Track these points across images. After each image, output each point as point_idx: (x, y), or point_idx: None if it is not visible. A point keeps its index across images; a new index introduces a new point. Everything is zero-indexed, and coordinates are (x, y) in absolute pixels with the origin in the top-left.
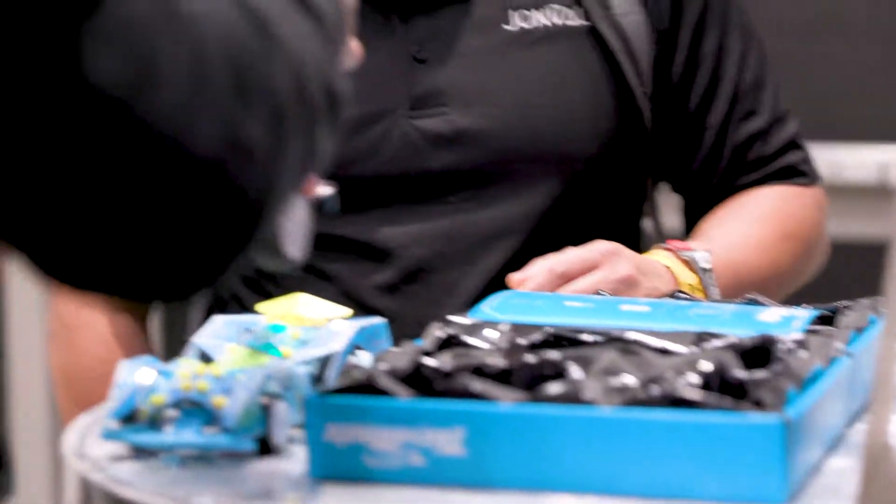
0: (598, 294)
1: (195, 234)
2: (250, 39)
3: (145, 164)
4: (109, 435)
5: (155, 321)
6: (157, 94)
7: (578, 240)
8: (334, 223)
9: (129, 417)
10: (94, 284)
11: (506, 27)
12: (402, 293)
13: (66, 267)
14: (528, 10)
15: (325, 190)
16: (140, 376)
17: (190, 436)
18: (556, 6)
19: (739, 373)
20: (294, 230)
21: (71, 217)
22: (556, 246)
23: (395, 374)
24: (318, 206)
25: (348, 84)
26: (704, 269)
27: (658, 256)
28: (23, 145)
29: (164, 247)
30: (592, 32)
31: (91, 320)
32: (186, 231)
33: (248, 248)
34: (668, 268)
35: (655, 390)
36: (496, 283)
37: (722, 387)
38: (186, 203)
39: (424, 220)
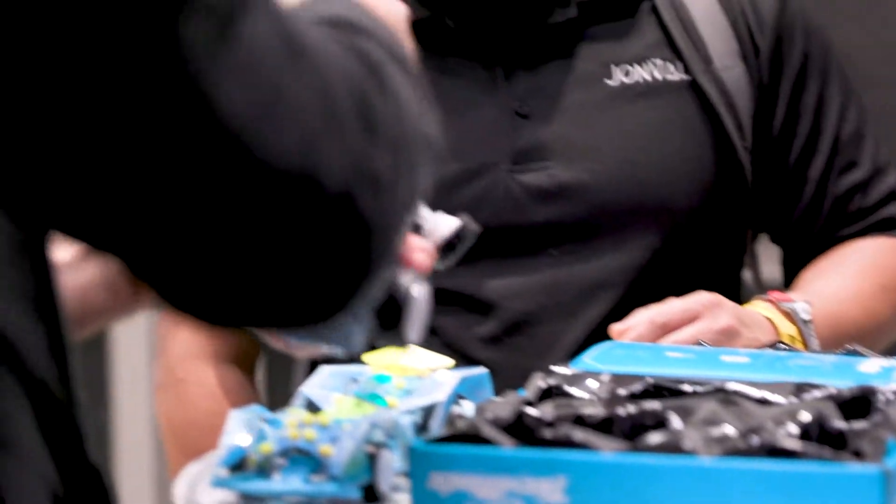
0: (699, 345)
1: (325, 264)
2: (366, 79)
3: (273, 197)
4: (219, 483)
5: (261, 372)
6: (284, 127)
7: (679, 291)
8: (438, 277)
9: (238, 466)
10: (228, 317)
11: (608, 82)
12: (505, 345)
13: (200, 301)
14: (631, 64)
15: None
16: (249, 425)
17: (297, 483)
18: (657, 61)
19: (839, 423)
20: (417, 315)
21: (200, 249)
22: (656, 297)
23: (498, 424)
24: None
25: (436, 130)
26: (804, 321)
27: (758, 307)
28: (155, 179)
29: (295, 276)
30: (693, 86)
31: (199, 373)
32: (316, 261)
33: (373, 278)
34: (768, 319)
35: (755, 440)
36: (598, 335)
37: (821, 437)
38: (316, 234)
39: (527, 272)
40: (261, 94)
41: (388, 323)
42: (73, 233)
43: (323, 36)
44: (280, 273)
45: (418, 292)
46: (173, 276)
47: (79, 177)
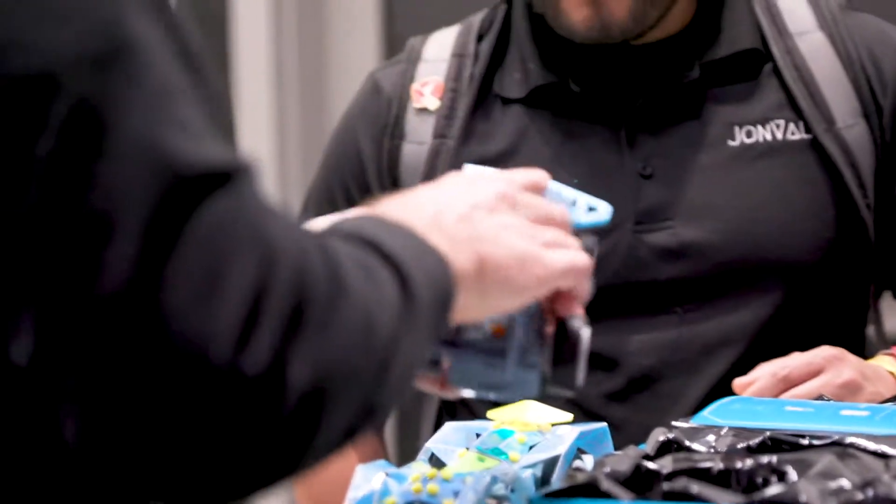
0: (821, 399)
1: (225, 445)
2: (322, 290)
3: (188, 370)
4: None
5: (390, 427)
6: (214, 309)
7: (802, 347)
8: None
9: None
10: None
11: (730, 143)
12: (629, 401)
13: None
14: (753, 125)
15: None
16: (374, 480)
17: None
18: (779, 121)
19: None
20: (584, 359)
21: (111, 398)
22: (779, 354)
23: (616, 477)
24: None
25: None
26: None
27: (882, 362)
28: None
29: (197, 450)
30: (814, 145)
31: None
32: (218, 439)
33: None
34: (892, 373)
35: (871, 493)
36: (720, 391)
37: None
38: (223, 415)
39: (651, 329)
40: (205, 272)
41: (561, 367)
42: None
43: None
44: (187, 443)
45: (587, 336)
46: (92, 437)
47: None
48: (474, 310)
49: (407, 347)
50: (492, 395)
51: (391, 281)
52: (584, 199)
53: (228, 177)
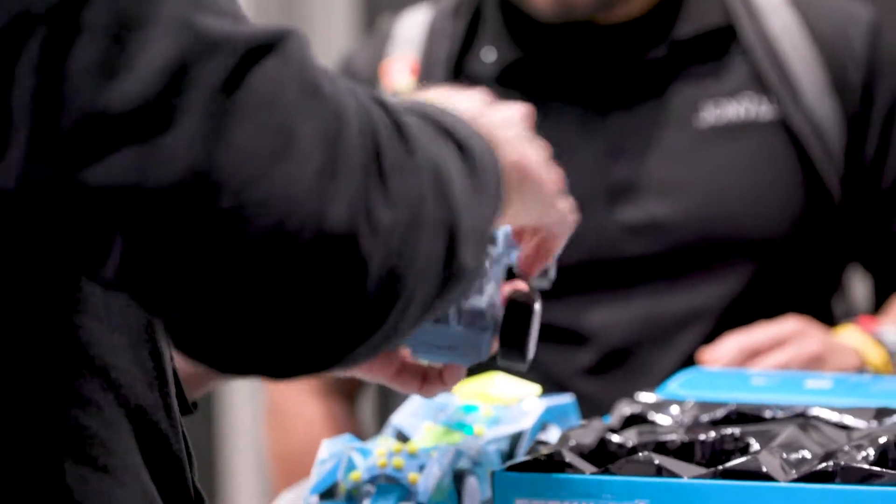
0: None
1: (327, 302)
2: (391, 139)
3: (275, 235)
4: None
5: (369, 403)
6: (291, 166)
7: (771, 321)
8: None
9: (328, 493)
10: (244, 364)
11: (699, 119)
12: (600, 376)
13: (217, 346)
14: (723, 102)
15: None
16: (338, 454)
17: None
18: (749, 95)
19: None
20: (535, 331)
21: (204, 288)
22: (749, 326)
23: (581, 450)
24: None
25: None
26: (893, 346)
27: (847, 334)
28: (159, 220)
29: (295, 318)
30: (783, 122)
31: (303, 405)
32: (319, 299)
33: (385, 328)
34: (856, 344)
35: (833, 464)
36: (691, 364)
37: None
38: (318, 272)
39: (622, 305)
40: (270, 133)
41: (511, 339)
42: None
43: (350, 93)
44: (285, 312)
45: (538, 308)
46: (191, 323)
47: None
48: (510, 213)
49: (477, 209)
50: (442, 359)
51: (454, 149)
52: None
53: (275, 44)
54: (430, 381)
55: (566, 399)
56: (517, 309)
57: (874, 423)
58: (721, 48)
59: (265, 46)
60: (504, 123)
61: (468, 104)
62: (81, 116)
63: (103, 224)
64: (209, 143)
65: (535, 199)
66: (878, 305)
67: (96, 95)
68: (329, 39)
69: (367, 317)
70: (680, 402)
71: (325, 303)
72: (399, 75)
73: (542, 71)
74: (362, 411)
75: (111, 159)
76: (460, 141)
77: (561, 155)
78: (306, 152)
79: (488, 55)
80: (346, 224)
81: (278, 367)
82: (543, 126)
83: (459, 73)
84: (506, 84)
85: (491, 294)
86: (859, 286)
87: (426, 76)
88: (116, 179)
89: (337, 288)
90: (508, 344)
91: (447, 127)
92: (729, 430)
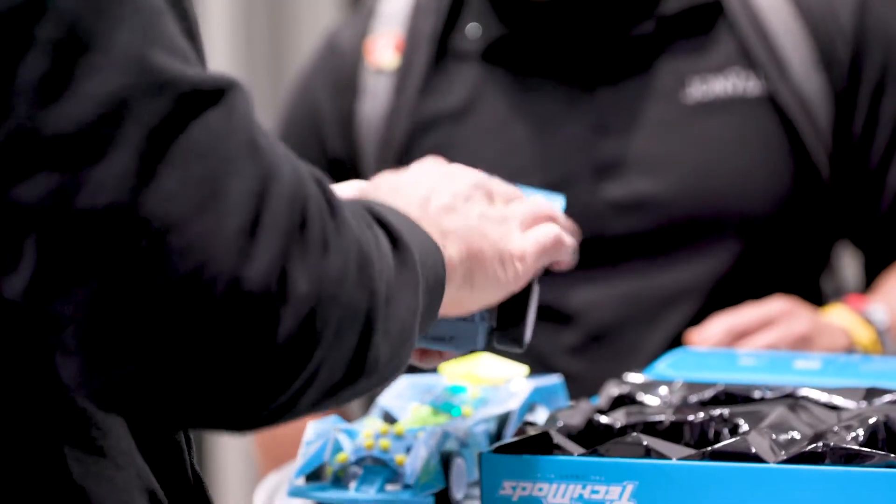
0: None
1: (222, 362)
2: (320, 214)
3: (187, 284)
4: (295, 492)
5: None
6: (215, 219)
7: (759, 299)
8: None
9: (315, 475)
10: (119, 404)
11: (686, 96)
12: (586, 355)
13: (92, 384)
14: (710, 75)
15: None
16: (325, 435)
17: (372, 492)
18: (736, 71)
19: None
20: (533, 315)
21: (105, 326)
22: (736, 306)
23: (569, 431)
24: None
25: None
26: (882, 326)
27: (836, 313)
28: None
29: (193, 368)
30: (770, 98)
31: None
32: (215, 356)
33: (290, 390)
34: (844, 324)
35: (822, 444)
36: (678, 343)
37: (889, 441)
38: (223, 329)
39: (608, 283)
40: (200, 183)
41: (508, 323)
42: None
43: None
44: (185, 361)
45: (535, 292)
46: (87, 359)
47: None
48: (459, 302)
49: (401, 303)
50: (439, 347)
51: (385, 238)
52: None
53: (221, 93)
54: (429, 353)
55: (554, 380)
56: (513, 295)
57: (864, 404)
58: (708, 23)
59: (210, 94)
60: (456, 204)
61: (420, 182)
62: (15, 131)
63: (19, 237)
64: (137, 182)
65: (488, 286)
66: (867, 283)
67: (33, 114)
68: (315, 16)
69: (269, 382)
70: (668, 383)
71: (228, 358)
72: (383, 52)
73: (527, 47)
74: None
75: (36, 179)
76: (395, 234)
77: (546, 131)
78: (232, 207)
79: (473, 32)
80: (260, 285)
81: (173, 414)
82: (529, 102)
83: (444, 50)
84: (491, 60)
85: None
86: (848, 264)
87: (411, 53)
88: (37, 200)
89: (242, 346)
90: (504, 328)
91: (383, 219)
92: (717, 411)
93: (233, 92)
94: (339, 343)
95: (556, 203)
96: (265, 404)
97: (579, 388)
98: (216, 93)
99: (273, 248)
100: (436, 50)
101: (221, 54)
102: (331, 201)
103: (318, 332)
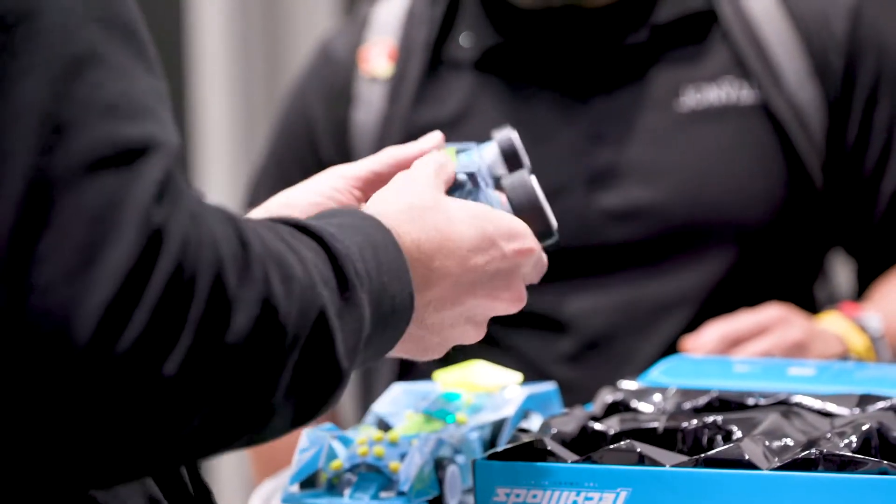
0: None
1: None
2: (220, 265)
3: (49, 347)
4: (289, 499)
5: (349, 391)
6: (85, 288)
7: (753, 307)
8: None
9: (309, 482)
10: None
11: (680, 104)
12: (581, 363)
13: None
14: (704, 86)
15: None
16: (319, 442)
17: (366, 499)
18: (729, 81)
19: None
20: (545, 202)
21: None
22: (731, 314)
23: (563, 438)
24: None
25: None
26: (877, 333)
27: (830, 320)
28: None
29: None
30: (764, 107)
31: None
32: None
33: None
34: (839, 331)
35: (816, 451)
36: (673, 351)
37: (882, 448)
38: (83, 395)
39: (603, 291)
40: (77, 252)
41: (531, 218)
42: None
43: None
44: (50, 420)
45: (534, 183)
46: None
47: None
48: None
49: (331, 343)
50: None
51: (330, 274)
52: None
53: (129, 154)
54: None
55: (548, 387)
56: (518, 192)
57: (857, 411)
58: (701, 32)
59: (117, 156)
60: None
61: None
62: None
63: None
64: (16, 238)
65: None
66: (861, 291)
67: None
68: (310, 23)
69: (142, 443)
70: (662, 390)
71: (87, 426)
72: (377, 60)
73: (521, 56)
74: (343, 400)
75: None
76: (347, 278)
77: (540, 140)
78: (103, 279)
79: (467, 40)
80: (122, 361)
81: (46, 473)
82: (523, 111)
83: (438, 58)
84: (485, 69)
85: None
86: (842, 272)
87: (404, 62)
88: None
89: (99, 418)
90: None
91: (341, 263)
92: (711, 418)
93: (148, 155)
94: (228, 401)
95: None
96: (141, 463)
97: (574, 395)
98: (125, 154)
99: (140, 325)
100: (429, 59)
101: (217, 62)
102: (246, 254)
103: (195, 399)
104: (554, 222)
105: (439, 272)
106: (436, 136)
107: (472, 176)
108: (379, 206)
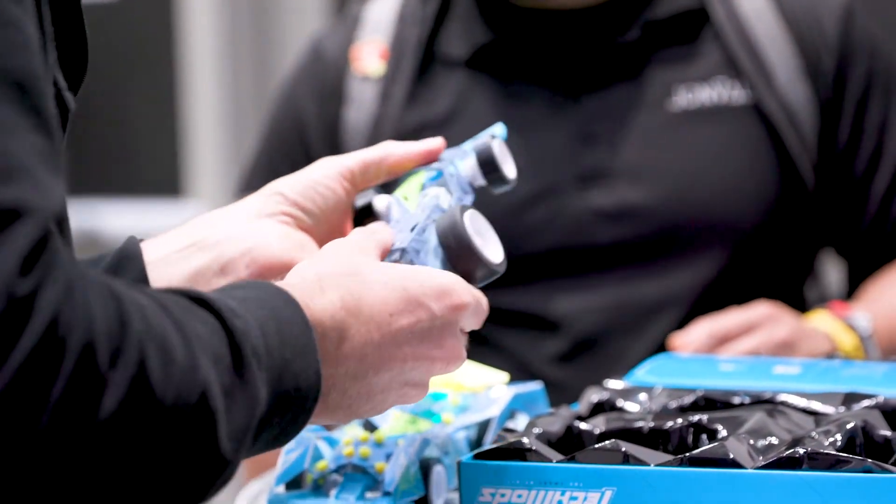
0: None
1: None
2: (88, 341)
3: None
4: (275, 500)
5: None
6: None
7: (744, 306)
8: (508, 297)
9: (295, 483)
10: None
11: (672, 104)
12: (572, 363)
13: None
14: (696, 83)
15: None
16: (305, 443)
17: (352, 499)
18: (721, 81)
19: (885, 432)
20: (505, 154)
21: None
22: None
23: (548, 438)
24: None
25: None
26: (865, 332)
27: (819, 319)
28: None
29: None
30: (756, 107)
31: None
32: None
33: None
34: (827, 330)
35: (800, 450)
36: (663, 351)
37: (867, 446)
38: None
39: (594, 291)
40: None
41: (491, 175)
42: None
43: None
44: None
45: (493, 138)
46: None
47: None
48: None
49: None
50: None
51: (226, 349)
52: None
53: None
54: None
55: (534, 386)
56: (448, 236)
57: (842, 409)
58: (693, 31)
59: None
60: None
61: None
62: None
63: None
64: None
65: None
66: (851, 291)
67: None
68: (300, 22)
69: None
70: (648, 389)
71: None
72: (369, 59)
73: (513, 54)
74: None
75: None
76: (242, 355)
77: (532, 139)
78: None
79: (459, 38)
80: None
81: None
82: (514, 109)
83: (430, 56)
84: (476, 67)
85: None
86: (832, 272)
87: (396, 60)
88: None
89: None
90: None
91: (238, 341)
92: (696, 417)
93: (15, 221)
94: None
95: (497, 131)
96: None
97: (564, 395)
98: None
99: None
100: (421, 57)
101: (206, 61)
102: (123, 332)
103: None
104: (494, 258)
105: (356, 339)
106: (436, 142)
107: (418, 234)
108: (293, 277)
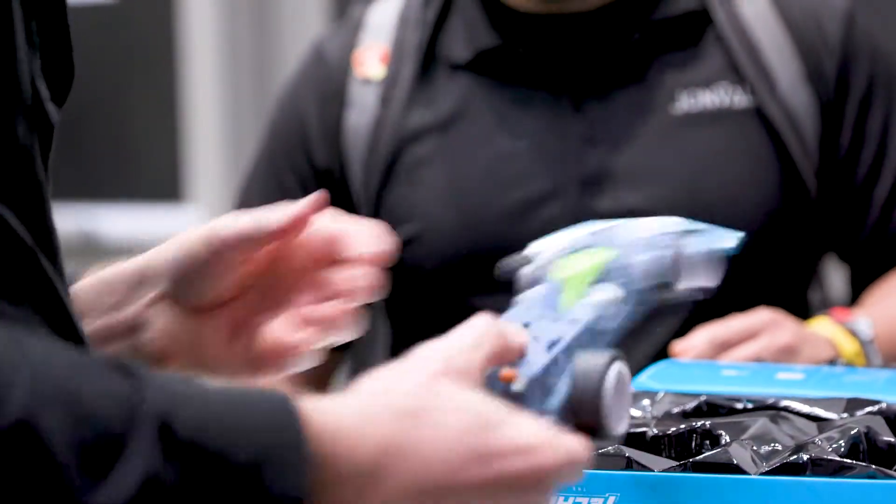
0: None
1: None
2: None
3: None
4: None
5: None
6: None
7: (745, 312)
8: (508, 301)
9: None
10: None
11: (674, 108)
12: None
13: None
14: (698, 89)
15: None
16: None
17: None
18: (723, 85)
19: (888, 438)
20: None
21: None
22: (722, 319)
23: None
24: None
25: None
26: (866, 337)
27: (821, 325)
28: None
29: None
30: (758, 112)
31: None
32: None
33: None
34: (828, 335)
35: (804, 455)
36: (664, 357)
37: (870, 452)
38: None
39: None
40: None
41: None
42: None
43: None
44: None
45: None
46: None
47: None
48: None
49: None
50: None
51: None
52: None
53: None
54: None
55: None
56: (580, 378)
57: (845, 415)
58: (695, 35)
59: None
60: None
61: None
62: None
63: None
64: None
65: None
66: (854, 297)
67: None
68: (301, 25)
69: None
70: (651, 394)
71: None
72: (371, 63)
73: (515, 58)
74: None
75: None
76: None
77: (534, 143)
78: None
79: (461, 42)
80: None
81: None
82: (516, 114)
83: (432, 60)
84: (479, 71)
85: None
86: (835, 277)
87: (397, 64)
88: None
89: None
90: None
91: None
92: (699, 423)
93: None
94: None
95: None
96: None
97: None
98: None
99: None
100: (423, 60)
101: (207, 64)
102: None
103: None
104: (616, 428)
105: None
106: (310, 199)
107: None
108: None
